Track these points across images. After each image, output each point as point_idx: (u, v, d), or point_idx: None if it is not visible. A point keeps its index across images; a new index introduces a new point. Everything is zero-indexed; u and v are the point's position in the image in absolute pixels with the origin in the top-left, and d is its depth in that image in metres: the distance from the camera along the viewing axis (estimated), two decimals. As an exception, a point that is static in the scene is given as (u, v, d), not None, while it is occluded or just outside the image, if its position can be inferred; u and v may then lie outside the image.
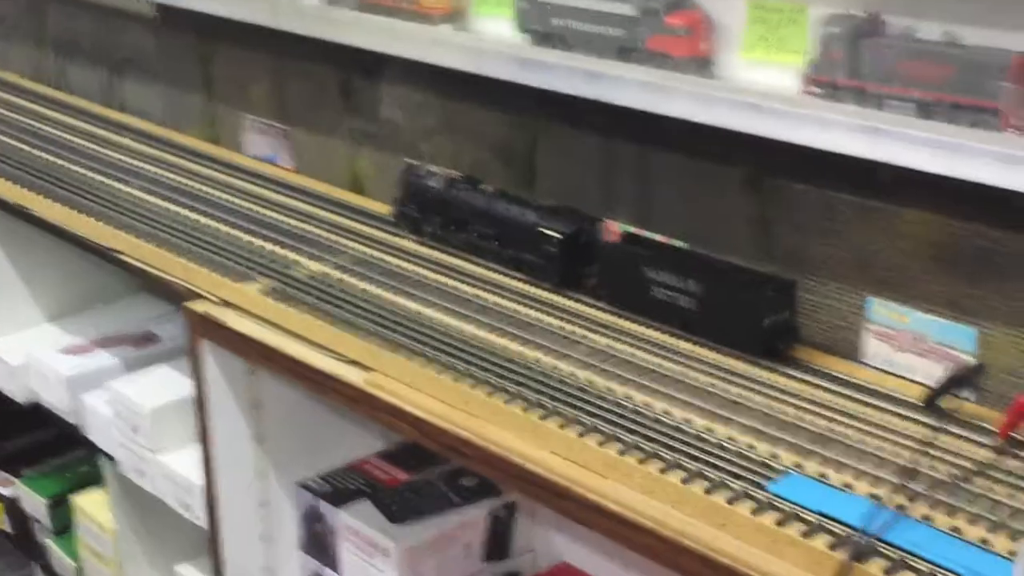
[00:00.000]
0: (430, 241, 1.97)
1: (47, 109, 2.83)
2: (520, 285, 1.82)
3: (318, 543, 1.89)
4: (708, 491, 1.30)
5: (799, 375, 1.55)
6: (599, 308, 1.74)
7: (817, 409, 1.46)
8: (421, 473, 1.91)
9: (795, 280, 1.62)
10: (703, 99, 1.58)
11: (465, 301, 1.77)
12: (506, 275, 1.86)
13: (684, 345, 1.63)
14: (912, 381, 1.52)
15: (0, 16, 3.18)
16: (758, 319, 1.58)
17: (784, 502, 1.26)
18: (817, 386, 1.52)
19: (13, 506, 2.64)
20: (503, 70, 1.81)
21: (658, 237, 1.77)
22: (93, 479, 2.43)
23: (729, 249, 1.69)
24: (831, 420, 1.43)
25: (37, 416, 2.43)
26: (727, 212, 1.71)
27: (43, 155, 2.49)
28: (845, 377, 1.54)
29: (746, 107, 1.54)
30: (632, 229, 1.80)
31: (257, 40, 2.35)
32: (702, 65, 1.64)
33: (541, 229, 1.81)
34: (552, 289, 1.80)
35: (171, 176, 2.35)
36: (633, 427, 1.42)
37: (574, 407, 1.47)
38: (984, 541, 1.19)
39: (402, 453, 1.97)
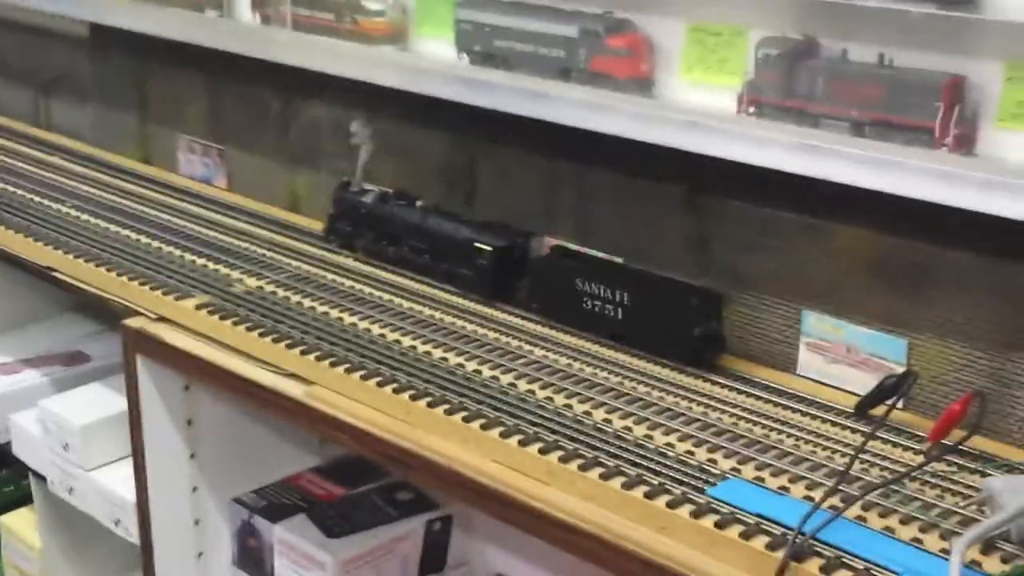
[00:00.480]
0: (363, 256, 1.99)
1: (-25, 129, 2.80)
2: (456, 299, 1.84)
3: (253, 559, 1.88)
4: (648, 496, 1.32)
5: (735, 385, 1.58)
6: (533, 320, 1.77)
7: (753, 417, 1.49)
8: (357, 488, 1.92)
9: (722, 292, 1.66)
10: (641, 118, 1.62)
11: (402, 315, 1.78)
12: (441, 289, 1.88)
13: (617, 355, 1.66)
14: (845, 391, 1.56)
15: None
16: (688, 328, 1.62)
17: (723, 505, 1.29)
18: (753, 395, 1.56)
19: (-65, 529, 2.58)
20: (446, 90, 1.84)
21: (589, 251, 1.80)
22: (21, 499, 2.38)
23: (667, 266, 1.72)
24: (767, 428, 1.47)
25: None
26: (665, 229, 1.74)
27: (-27, 174, 2.46)
28: (780, 387, 1.58)
29: (683, 125, 1.58)
30: (564, 244, 1.83)
31: (193, 60, 2.35)
32: (643, 86, 1.68)
33: (475, 243, 1.83)
34: (486, 302, 1.83)
35: (105, 195, 2.33)
36: (574, 435, 1.44)
37: (514, 416, 1.48)
38: (917, 540, 1.23)
39: (338, 469, 1.97)
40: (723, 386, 1.58)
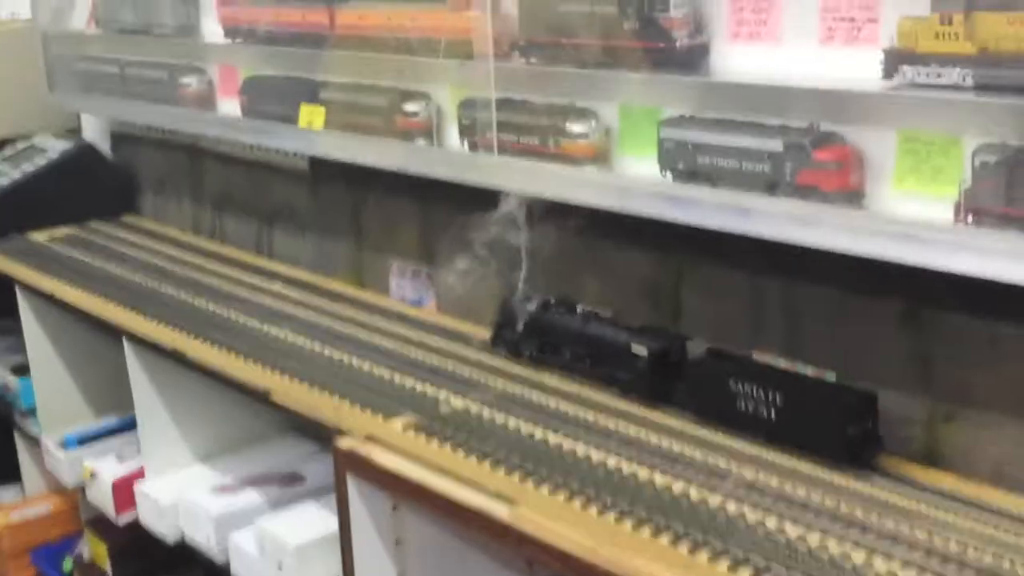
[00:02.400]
0: (527, 363, 2.05)
1: (204, 259, 2.94)
2: (659, 417, 1.82)
3: None
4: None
5: (960, 508, 1.49)
6: (740, 439, 1.73)
7: (984, 547, 1.40)
8: (566, 614, 1.87)
9: (876, 391, 1.63)
10: (853, 230, 1.57)
11: (607, 434, 1.76)
12: (644, 406, 1.87)
13: (840, 481, 1.59)
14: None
15: (162, 178, 3.34)
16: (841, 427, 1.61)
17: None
18: (981, 520, 1.46)
19: (157, 647, 2.66)
20: (651, 207, 1.83)
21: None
22: (237, 618, 2.43)
23: (886, 384, 1.65)
24: (1001, 558, 1.37)
25: (184, 556, 2.46)
26: (882, 346, 1.67)
27: (198, 301, 2.57)
28: (1013, 512, 1.48)
29: (899, 237, 1.52)
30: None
31: (405, 187, 2.42)
32: (852, 198, 1.64)
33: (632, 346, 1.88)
34: (694, 420, 1.80)
35: (319, 319, 2.41)
36: (786, 560, 1.37)
37: (724, 540, 1.43)
38: None
39: (546, 594, 1.93)
40: (941, 508, 1.50)
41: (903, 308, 1.65)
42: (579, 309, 2.02)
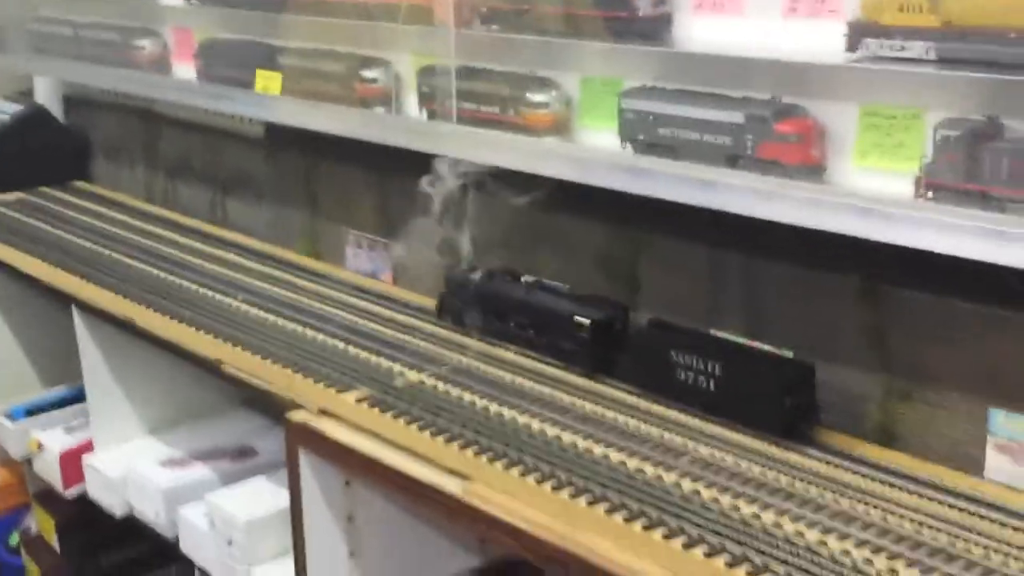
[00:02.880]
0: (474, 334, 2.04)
1: (157, 227, 2.89)
2: (614, 392, 1.80)
3: (410, 661, 1.83)
4: (824, 607, 1.23)
5: (920, 491, 1.48)
6: (686, 413, 1.71)
7: (937, 524, 1.38)
8: (519, 590, 1.86)
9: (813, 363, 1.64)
10: (815, 204, 1.55)
11: (562, 409, 1.74)
12: (602, 383, 1.84)
13: (792, 458, 1.57)
14: (1041, 496, 1.45)
15: (115, 143, 3.28)
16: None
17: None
18: (939, 502, 1.45)
19: (106, 621, 2.62)
20: (611, 179, 1.80)
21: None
22: (186, 594, 2.40)
23: (842, 359, 1.63)
24: (952, 536, 1.36)
25: (132, 530, 2.42)
26: (840, 322, 1.65)
27: (150, 269, 2.52)
28: (967, 492, 1.46)
29: (859, 211, 1.50)
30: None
31: (360, 156, 2.37)
32: (814, 172, 1.61)
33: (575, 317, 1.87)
34: (636, 392, 1.79)
35: (274, 290, 2.37)
36: (741, 539, 1.36)
37: (678, 517, 1.41)
38: None
39: (497, 570, 1.92)
40: (903, 490, 1.48)
41: (862, 283, 1.63)
42: (523, 279, 2.00)
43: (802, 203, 1.56)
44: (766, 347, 1.68)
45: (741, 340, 1.71)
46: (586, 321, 1.86)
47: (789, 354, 1.66)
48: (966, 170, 1.44)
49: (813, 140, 1.62)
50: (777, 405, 1.61)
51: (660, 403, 1.75)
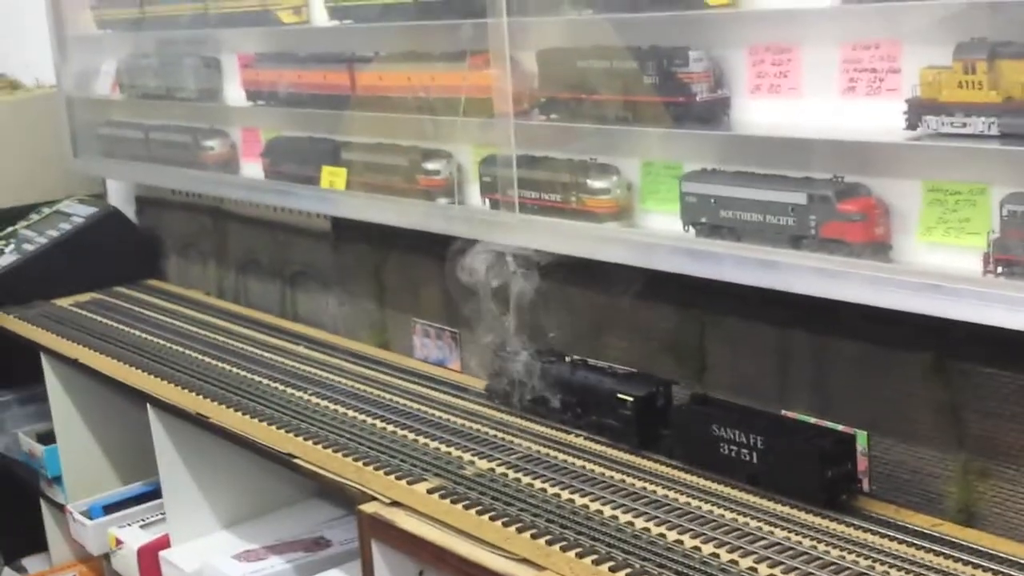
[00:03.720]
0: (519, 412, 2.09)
1: (228, 322, 2.93)
2: (693, 479, 1.78)
3: None
4: None
5: (983, 563, 1.45)
6: (779, 501, 1.69)
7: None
8: None
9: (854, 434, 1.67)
10: (880, 283, 1.54)
11: (633, 495, 1.74)
12: (672, 467, 1.84)
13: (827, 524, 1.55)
14: None
15: (186, 241, 3.35)
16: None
17: None
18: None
19: None
20: (673, 263, 1.81)
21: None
22: None
23: (916, 438, 1.61)
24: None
25: (209, 624, 2.43)
26: (911, 399, 1.64)
27: (222, 365, 2.56)
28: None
29: (927, 288, 1.49)
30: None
31: (426, 247, 2.40)
32: (878, 250, 1.61)
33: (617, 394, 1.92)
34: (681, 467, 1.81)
35: (343, 381, 2.39)
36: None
37: (757, 604, 1.39)
38: None
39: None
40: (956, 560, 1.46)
41: (932, 361, 1.61)
42: (567, 358, 2.04)
43: (867, 281, 1.56)
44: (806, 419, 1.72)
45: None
46: (629, 398, 1.89)
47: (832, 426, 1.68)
48: (1033, 244, 1.43)
49: (877, 218, 1.61)
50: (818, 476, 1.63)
51: (724, 483, 1.75)
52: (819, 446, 1.65)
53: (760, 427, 1.71)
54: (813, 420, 1.73)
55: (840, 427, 1.72)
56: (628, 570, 1.51)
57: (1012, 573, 1.44)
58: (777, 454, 1.68)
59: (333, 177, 2.52)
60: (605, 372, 1.98)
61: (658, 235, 1.90)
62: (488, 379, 2.18)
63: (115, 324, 2.97)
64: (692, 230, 1.84)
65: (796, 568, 1.47)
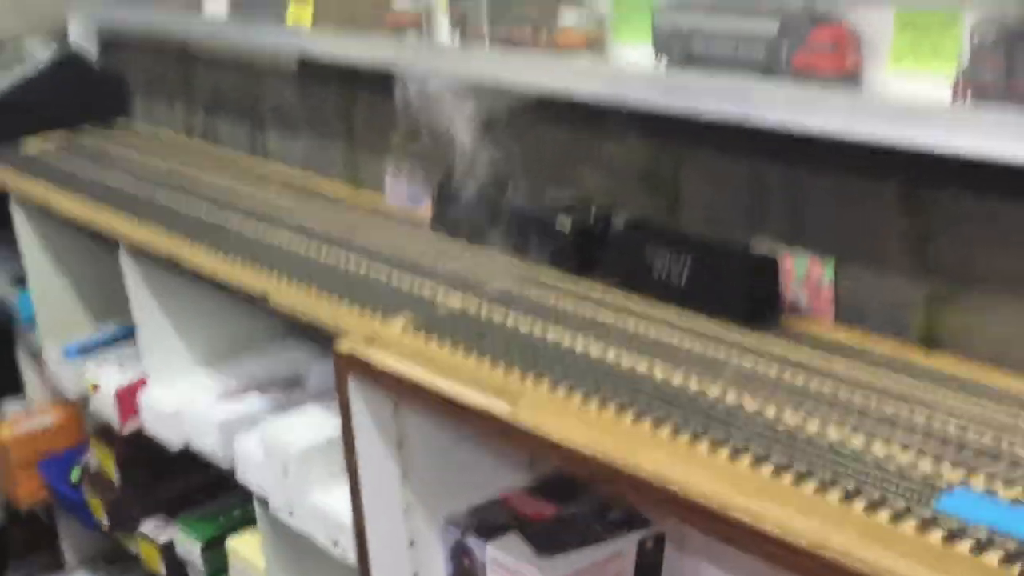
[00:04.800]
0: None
1: (197, 163, 2.91)
2: (652, 310, 1.80)
3: (466, 579, 1.87)
4: (869, 509, 1.24)
5: (963, 394, 1.49)
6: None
7: (984, 429, 1.39)
8: (567, 507, 1.88)
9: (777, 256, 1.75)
10: (852, 112, 1.54)
11: (602, 327, 1.76)
12: (624, 297, 1.87)
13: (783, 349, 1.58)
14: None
15: (153, 79, 3.30)
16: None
17: (951, 519, 1.20)
18: (983, 406, 1.46)
19: (168, 551, 2.68)
20: (645, 95, 1.80)
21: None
22: (245, 522, 2.45)
23: (885, 267, 1.63)
24: (999, 438, 1.37)
25: (190, 462, 2.47)
26: (881, 229, 1.65)
27: (193, 206, 2.55)
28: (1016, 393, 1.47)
29: (897, 118, 1.49)
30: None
31: (394, 85, 2.37)
32: (850, 80, 1.60)
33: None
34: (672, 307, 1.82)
35: (315, 222, 2.38)
36: (785, 447, 1.37)
37: (723, 429, 1.43)
38: None
39: (547, 487, 1.94)
40: (952, 396, 1.49)
41: (901, 190, 1.62)
42: (510, 188, 2.09)
43: (840, 111, 1.56)
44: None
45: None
46: (568, 225, 1.97)
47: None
48: (1005, 71, 1.43)
49: (848, 48, 1.60)
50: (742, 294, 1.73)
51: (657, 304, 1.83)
52: (743, 266, 1.73)
53: (688, 249, 1.78)
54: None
55: (808, 256, 1.74)
56: (598, 399, 1.54)
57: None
58: (704, 274, 1.75)
59: (299, 13, 2.48)
60: (546, 202, 2.04)
61: (630, 68, 1.88)
62: (432, 210, 2.24)
63: (82, 167, 2.94)
64: (664, 63, 1.82)
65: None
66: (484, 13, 2.08)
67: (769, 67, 1.66)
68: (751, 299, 1.73)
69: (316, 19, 2.44)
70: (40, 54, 3.30)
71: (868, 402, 1.48)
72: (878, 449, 1.36)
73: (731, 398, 1.51)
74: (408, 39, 2.27)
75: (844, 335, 1.70)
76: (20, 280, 3.04)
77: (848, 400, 1.49)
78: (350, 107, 2.61)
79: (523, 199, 2.06)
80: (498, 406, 1.63)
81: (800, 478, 1.31)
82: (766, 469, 1.34)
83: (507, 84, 2.03)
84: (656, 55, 1.83)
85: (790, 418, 1.45)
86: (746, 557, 1.33)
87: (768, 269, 1.75)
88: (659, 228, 1.90)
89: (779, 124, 1.62)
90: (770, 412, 1.47)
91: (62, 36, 3.49)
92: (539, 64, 1.98)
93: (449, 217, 2.20)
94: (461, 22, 2.16)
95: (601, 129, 2.01)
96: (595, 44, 1.95)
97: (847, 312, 1.72)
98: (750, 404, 1.49)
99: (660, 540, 1.85)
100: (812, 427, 1.42)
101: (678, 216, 1.93)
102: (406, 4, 2.28)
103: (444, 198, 2.22)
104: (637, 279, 1.86)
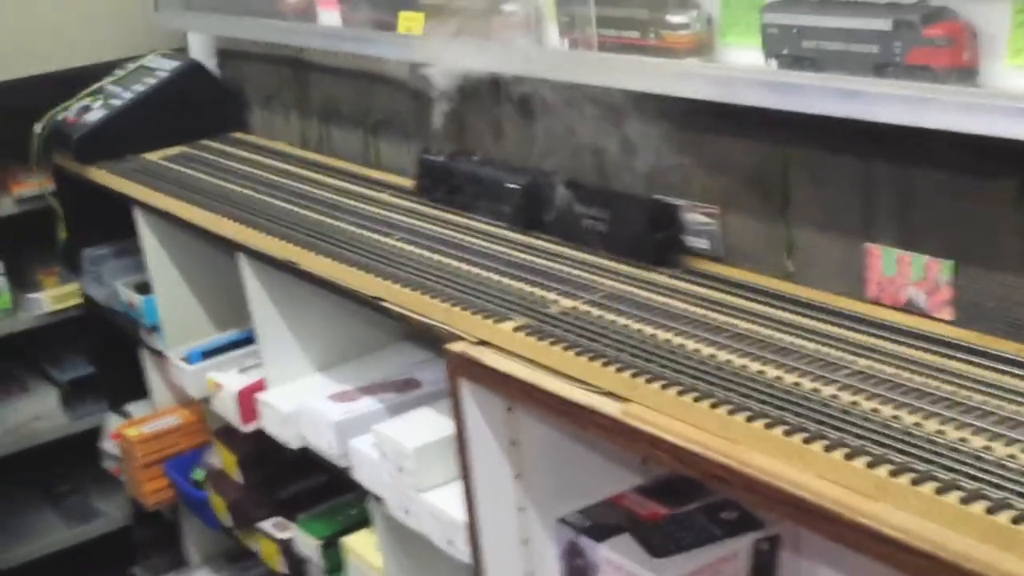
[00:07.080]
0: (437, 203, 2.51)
1: (312, 172, 2.97)
2: (766, 309, 1.79)
3: (579, 579, 1.88)
4: (990, 511, 1.22)
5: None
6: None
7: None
8: (680, 507, 1.88)
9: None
10: (969, 108, 1.51)
11: (717, 329, 1.76)
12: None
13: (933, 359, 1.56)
14: None
15: (269, 93, 3.37)
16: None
17: (1075, 521, 1.18)
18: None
19: (288, 548, 2.74)
20: (753, 96, 1.79)
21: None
22: (362, 520, 2.50)
23: (1003, 266, 1.60)
24: None
25: (308, 462, 2.53)
26: (999, 227, 1.62)
27: (308, 213, 2.61)
28: None
29: (1015, 112, 1.46)
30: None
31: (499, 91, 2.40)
32: (966, 76, 1.58)
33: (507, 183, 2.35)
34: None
35: (426, 227, 2.42)
36: (902, 447, 1.36)
37: (839, 429, 1.42)
38: None
39: (660, 488, 1.95)
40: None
41: (1020, 187, 1.59)
42: (474, 157, 2.46)
43: (956, 107, 1.53)
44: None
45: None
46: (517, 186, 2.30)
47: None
48: None
49: (964, 42, 1.57)
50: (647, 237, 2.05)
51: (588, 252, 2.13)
52: (647, 214, 2.05)
53: (608, 203, 2.11)
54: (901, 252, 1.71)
55: (926, 258, 1.71)
56: (711, 399, 1.54)
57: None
58: (618, 223, 2.08)
59: (410, 22, 2.51)
60: (498, 167, 2.39)
61: (739, 69, 1.88)
62: (415, 181, 2.59)
63: (203, 176, 3.03)
64: (774, 62, 1.81)
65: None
66: (592, 17, 2.09)
67: (883, 64, 1.64)
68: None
69: (427, 28, 2.47)
70: (163, 68, 3.40)
71: (987, 402, 1.45)
72: (999, 450, 1.34)
73: (845, 397, 1.50)
74: (517, 45, 2.29)
75: (963, 334, 1.67)
76: (142, 287, 3.14)
77: (967, 400, 1.46)
78: (462, 114, 2.64)
79: (479, 166, 2.40)
80: (608, 405, 1.64)
81: (919, 479, 1.30)
82: (883, 470, 1.33)
83: (617, 87, 2.03)
84: (765, 55, 1.82)
85: (907, 417, 1.43)
86: (863, 559, 1.32)
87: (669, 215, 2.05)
88: (590, 188, 2.17)
89: (893, 121, 1.60)
90: (880, 409, 1.45)
91: (184, 51, 3.59)
92: (647, 68, 1.98)
93: (424, 186, 2.55)
94: (569, 26, 2.17)
95: (711, 129, 2.01)
96: (704, 46, 1.95)
97: (966, 311, 1.69)
98: (866, 404, 1.48)
99: (775, 542, 1.84)
100: (931, 427, 1.40)
101: (788, 216, 1.92)
102: (514, 9, 2.29)
103: (421, 170, 2.53)
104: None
